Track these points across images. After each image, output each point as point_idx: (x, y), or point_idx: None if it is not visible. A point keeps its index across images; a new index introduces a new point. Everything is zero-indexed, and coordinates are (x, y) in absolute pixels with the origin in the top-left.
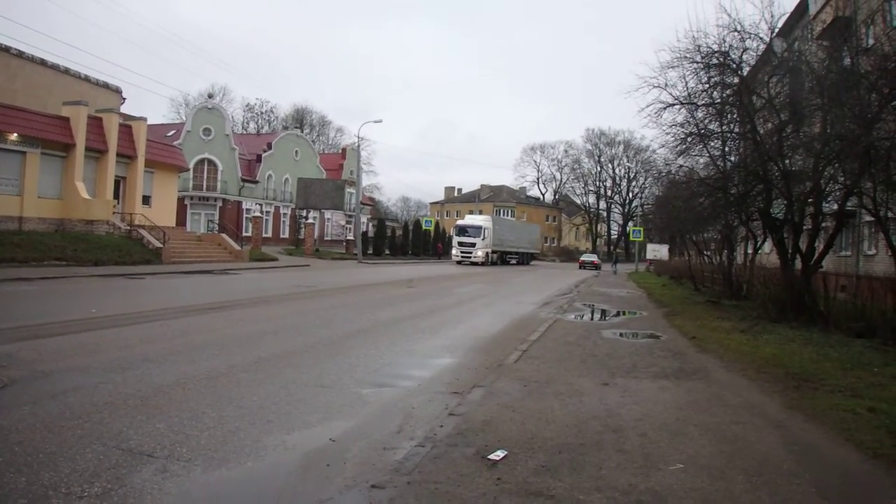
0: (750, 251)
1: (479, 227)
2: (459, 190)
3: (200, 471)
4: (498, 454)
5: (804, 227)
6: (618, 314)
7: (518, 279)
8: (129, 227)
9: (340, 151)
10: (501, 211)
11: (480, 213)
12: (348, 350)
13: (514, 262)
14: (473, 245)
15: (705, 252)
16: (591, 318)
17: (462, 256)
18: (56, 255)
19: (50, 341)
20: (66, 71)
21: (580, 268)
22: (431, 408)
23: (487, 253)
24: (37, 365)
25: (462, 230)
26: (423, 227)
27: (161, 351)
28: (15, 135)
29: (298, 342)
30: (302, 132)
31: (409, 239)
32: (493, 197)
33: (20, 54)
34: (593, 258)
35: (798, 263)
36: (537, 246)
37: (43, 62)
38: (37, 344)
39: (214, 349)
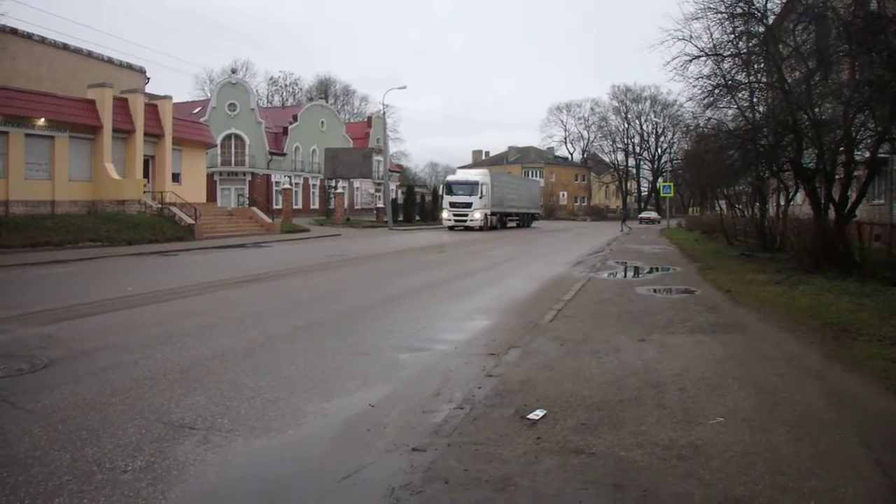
0: (782, 203)
1: (475, 184)
2: (487, 153)
3: (242, 441)
4: (537, 413)
5: (836, 177)
6: (651, 271)
7: (548, 240)
8: (160, 205)
9: (366, 120)
10: (530, 172)
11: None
12: (383, 316)
13: (513, 224)
14: (469, 205)
15: (737, 205)
16: (625, 276)
17: (455, 221)
18: (90, 237)
19: (88, 321)
20: (90, 54)
21: (640, 223)
22: (468, 370)
23: (486, 215)
24: (76, 344)
25: (452, 188)
26: None
27: (198, 325)
28: (42, 120)
29: (334, 310)
30: (327, 102)
31: (439, 204)
32: (520, 158)
33: (42, 40)
34: (652, 214)
35: (831, 213)
36: (538, 204)
37: (66, 46)
38: (75, 324)
39: (251, 320)
